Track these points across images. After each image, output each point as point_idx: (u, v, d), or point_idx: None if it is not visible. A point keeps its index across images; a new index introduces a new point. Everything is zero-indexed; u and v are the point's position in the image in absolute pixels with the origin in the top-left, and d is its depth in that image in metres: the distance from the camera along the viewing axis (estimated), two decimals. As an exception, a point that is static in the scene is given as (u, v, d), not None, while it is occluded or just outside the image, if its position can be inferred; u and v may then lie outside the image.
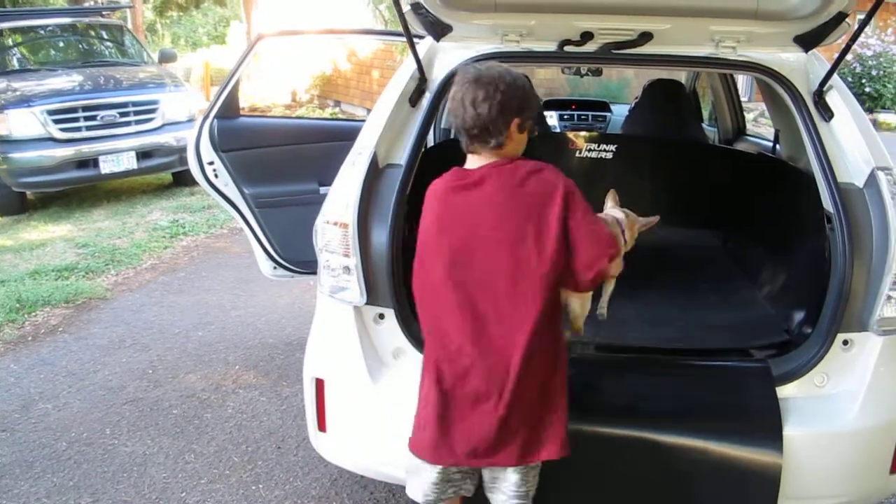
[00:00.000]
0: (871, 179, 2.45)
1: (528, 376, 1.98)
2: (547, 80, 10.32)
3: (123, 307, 5.30)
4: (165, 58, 10.18)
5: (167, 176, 9.26)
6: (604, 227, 2.14)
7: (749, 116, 10.11)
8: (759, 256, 3.52)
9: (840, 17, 2.54)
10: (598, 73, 5.87)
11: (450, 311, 2.04)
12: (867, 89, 17.94)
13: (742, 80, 6.91)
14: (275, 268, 4.23)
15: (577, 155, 3.97)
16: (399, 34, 2.72)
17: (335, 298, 2.53)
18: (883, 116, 17.39)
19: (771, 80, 2.72)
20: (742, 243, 3.83)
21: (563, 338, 2.16)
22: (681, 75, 5.57)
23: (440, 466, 2.13)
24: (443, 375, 2.07)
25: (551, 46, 2.79)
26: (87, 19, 10.15)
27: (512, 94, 2.02)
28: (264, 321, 5.02)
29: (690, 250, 3.84)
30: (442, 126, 4.93)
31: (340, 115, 15.79)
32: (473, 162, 2.12)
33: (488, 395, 2.00)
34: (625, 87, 10.21)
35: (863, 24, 2.46)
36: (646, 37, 2.69)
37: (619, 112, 6.29)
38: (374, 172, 2.54)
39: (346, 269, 2.48)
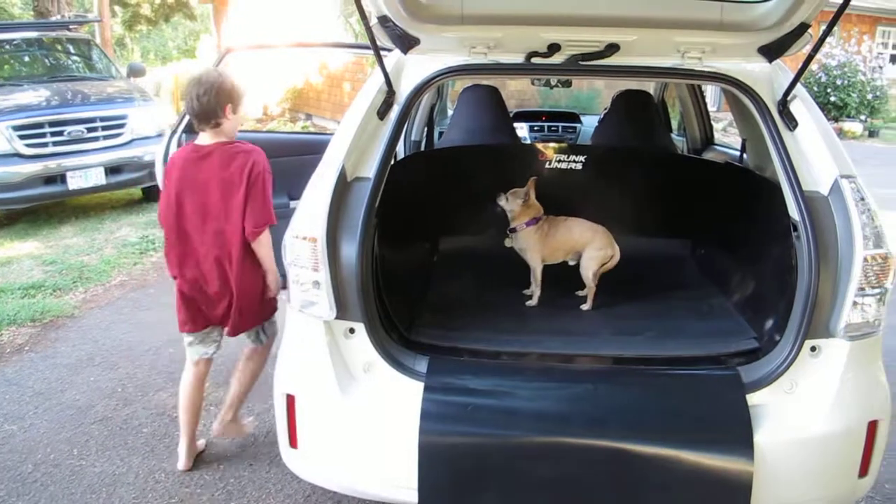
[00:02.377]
0: (836, 187, 2.49)
1: (234, 282, 3.16)
2: (517, 91, 10.36)
3: (92, 325, 5.22)
4: (134, 72, 10.07)
5: (137, 191, 9.16)
6: (268, 205, 3.10)
7: (718, 126, 10.24)
8: (728, 265, 3.55)
9: (802, 28, 2.58)
10: (567, 84, 5.90)
11: (189, 243, 3.16)
12: (832, 99, 18.22)
13: (711, 91, 6.99)
14: (245, 283, 4.20)
15: (546, 166, 3.99)
16: (368, 47, 2.71)
17: (305, 313, 2.52)
18: (848, 125, 17.69)
19: (736, 90, 2.75)
20: (711, 252, 3.86)
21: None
22: (650, 86, 5.62)
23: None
24: (185, 280, 3.22)
25: (519, 58, 2.80)
26: (53, 33, 10.03)
27: (222, 87, 3.07)
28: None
29: (660, 259, 3.86)
30: (412, 138, 4.94)
31: (312, 128, 15.76)
32: (204, 139, 3.17)
33: (220, 294, 3.23)
34: (595, 98, 10.26)
35: (824, 35, 2.49)
36: (612, 48, 2.71)
37: (590, 123, 6.32)
38: (343, 186, 2.53)
39: (316, 283, 2.47)
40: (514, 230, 3.45)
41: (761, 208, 3.13)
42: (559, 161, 3.98)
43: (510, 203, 3.46)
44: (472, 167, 4.02)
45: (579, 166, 3.97)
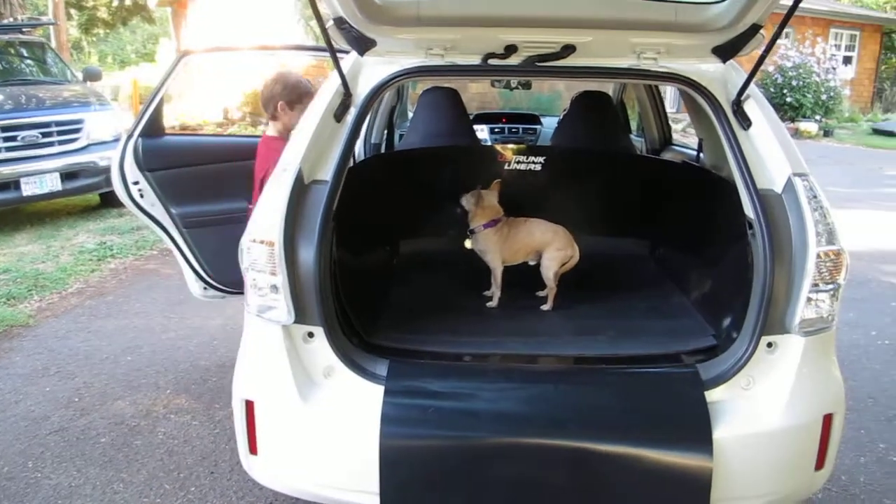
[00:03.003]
0: (789, 185, 2.52)
1: None
2: (479, 93, 10.38)
3: (47, 334, 5.13)
4: (90, 76, 9.93)
5: (94, 197, 9.03)
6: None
7: (678, 127, 10.35)
8: (687, 263, 3.59)
9: (754, 29, 2.62)
10: (527, 86, 5.93)
11: None
12: (788, 99, 18.59)
13: (670, 92, 7.07)
14: (205, 288, 4.16)
15: (505, 167, 3.99)
16: (339, 50, 2.69)
17: (263, 318, 2.48)
18: (804, 125, 18.05)
19: (691, 91, 2.78)
20: (670, 251, 3.90)
21: None
22: (608, 87, 5.67)
23: None
24: None
25: (476, 60, 2.80)
26: (6, 37, 9.82)
27: (284, 83, 3.55)
28: (196, 343, 4.92)
29: (620, 259, 3.89)
30: (372, 141, 4.93)
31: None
32: (269, 129, 3.63)
33: None
34: (556, 100, 10.31)
35: (775, 36, 2.53)
36: (569, 49, 2.73)
37: (550, 124, 6.35)
38: (300, 189, 2.50)
39: (274, 287, 2.44)
40: (473, 232, 3.45)
41: (718, 207, 3.16)
42: (518, 162, 4.00)
43: (470, 204, 3.45)
44: (431, 169, 4.01)
45: (538, 167, 3.98)
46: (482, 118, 6.67)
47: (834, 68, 20.08)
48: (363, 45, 2.75)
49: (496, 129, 6.54)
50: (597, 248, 3.65)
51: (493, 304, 3.37)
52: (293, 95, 3.56)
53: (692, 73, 2.78)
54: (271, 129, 3.63)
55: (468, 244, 3.50)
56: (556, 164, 4.03)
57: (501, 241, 3.41)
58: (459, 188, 3.50)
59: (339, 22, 2.61)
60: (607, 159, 4.20)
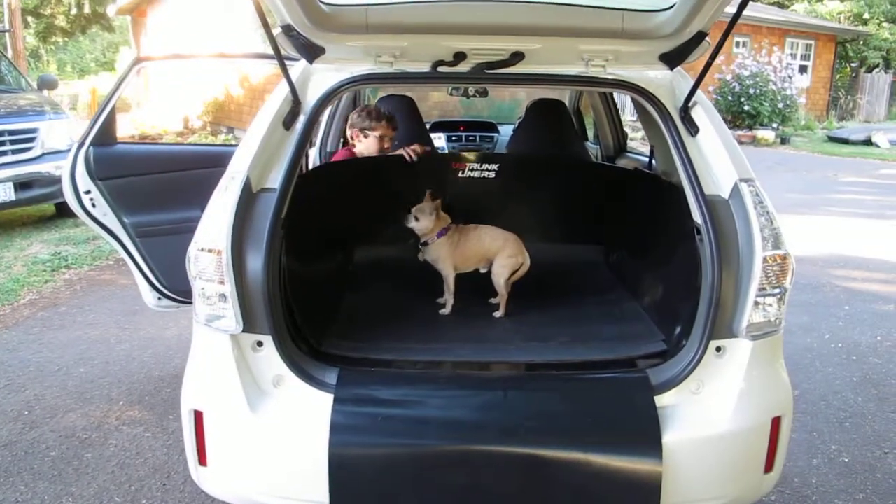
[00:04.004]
0: (735, 191, 2.55)
1: None
2: (440, 102, 10.40)
3: (-2, 346, 5.02)
4: (45, 84, 9.75)
5: (49, 207, 8.87)
6: None
7: (638, 135, 10.44)
8: (639, 269, 3.62)
9: (700, 37, 2.65)
10: (484, 93, 5.94)
11: None
12: (746, 107, 18.88)
13: (629, 99, 7.15)
14: (159, 298, 4.10)
15: (459, 175, 4.00)
16: (287, 58, 2.68)
17: (211, 327, 2.45)
18: (761, 133, 18.36)
19: (640, 97, 2.81)
20: (623, 257, 3.92)
21: None
22: (565, 95, 5.71)
23: None
24: None
25: (425, 67, 2.80)
26: (-42, 45, 9.67)
27: (353, 117, 4.16)
28: (150, 354, 4.85)
29: (574, 265, 3.91)
30: (328, 149, 4.91)
31: (233, 142, 15.50)
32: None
33: None
34: (515, 108, 10.36)
35: (720, 43, 2.56)
36: (517, 56, 2.74)
37: (507, 132, 6.39)
38: (248, 197, 2.48)
39: (222, 296, 2.41)
40: (425, 243, 3.45)
41: (667, 213, 3.19)
42: (472, 170, 4.01)
43: (420, 222, 3.41)
44: (384, 177, 4.01)
45: (493, 174, 3.99)
46: (440, 126, 6.69)
47: (790, 77, 20.44)
48: (312, 52, 2.73)
49: (453, 137, 6.56)
50: (551, 254, 3.67)
51: (445, 311, 3.37)
52: (364, 124, 4.11)
53: (640, 79, 2.80)
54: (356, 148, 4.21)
55: (421, 256, 3.50)
56: (510, 170, 4.04)
57: (452, 249, 3.41)
58: (414, 195, 3.49)
59: (287, 29, 2.60)
60: (562, 165, 4.22)
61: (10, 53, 16.90)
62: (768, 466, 2.53)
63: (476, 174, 4.00)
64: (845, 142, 19.46)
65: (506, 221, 3.51)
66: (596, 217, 4.04)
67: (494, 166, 4.01)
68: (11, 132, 7.98)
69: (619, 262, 3.96)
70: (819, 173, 14.26)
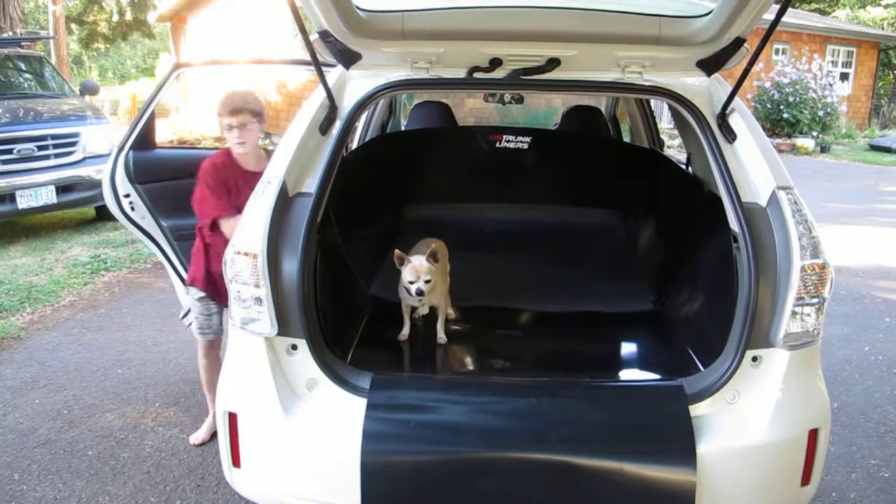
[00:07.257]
0: (773, 199, 2.52)
1: None
2: (476, 109, 10.43)
3: (38, 346, 5.11)
4: (87, 90, 9.94)
5: (90, 210, 9.03)
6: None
7: (675, 142, 10.31)
8: (676, 281, 3.58)
9: (738, 43, 2.63)
10: (520, 100, 5.93)
11: None
12: (785, 115, 18.59)
13: (666, 106, 7.10)
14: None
15: (497, 145, 4.32)
16: (324, 63, 2.70)
17: (246, 330, 2.48)
18: (801, 141, 18.05)
19: (677, 104, 2.79)
20: (636, 223, 4.09)
21: None
22: (601, 102, 5.68)
23: None
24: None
25: (461, 73, 2.81)
26: (4, 51, 9.86)
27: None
28: (186, 356, 4.90)
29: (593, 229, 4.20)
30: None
31: (271, 147, 15.59)
32: None
33: None
34: (552, 115, 10.35)
35: (759, 49, 2.53)
36: (553, 62, 2.74)
37: None
38: (284, 201, 2.50)
39: (257, 300, 2.43)
40: (421, 293, 3.09)
41: (705, 222, 3.17)
42: (508, 141, 4.40)
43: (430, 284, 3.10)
44: (426, 159, 4.22)
45: (525, 146, 4.32)
46: None
47: (831, 84, 20.10)
48: (348, 58, 2.76)
49: None
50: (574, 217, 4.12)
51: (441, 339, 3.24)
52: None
53: (677, 86, 2.79)
54: None
55: (422, 310, 3.36)
56: (541, 143, 4.52)
57: (442, 275, 3.30)
58: (456, 186, 3.66)
59: (325, 35, 2.62)
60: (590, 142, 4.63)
61: (53, 60, 17.23)
62: (805, 479, 2.48)
63: (511, 145, 4.27)
64: (887, 150, 19.05)
65: (536, 187, 3.67)
66: (617, 188, 4.33)
67: (528, 139, 4.12)
68: (54, 136, 8.14)
69: (633, 227, 4.25)
70: (860, 182, 14.00)
